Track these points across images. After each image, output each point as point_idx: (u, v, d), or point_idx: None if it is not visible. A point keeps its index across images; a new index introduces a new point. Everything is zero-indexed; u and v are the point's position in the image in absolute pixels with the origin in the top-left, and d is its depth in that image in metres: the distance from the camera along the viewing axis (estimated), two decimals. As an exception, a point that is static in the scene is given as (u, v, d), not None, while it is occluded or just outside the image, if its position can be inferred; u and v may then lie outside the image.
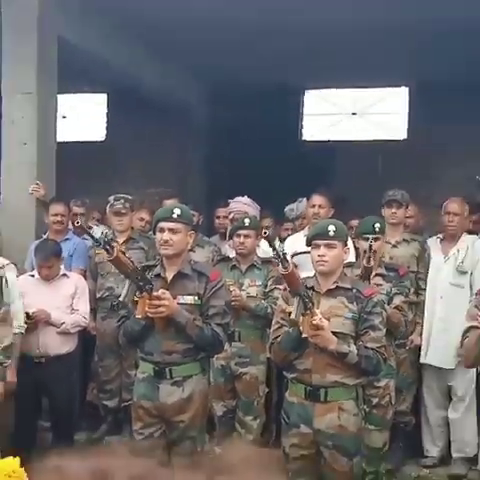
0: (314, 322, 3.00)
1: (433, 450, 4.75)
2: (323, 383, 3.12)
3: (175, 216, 3.31)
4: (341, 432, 3.13)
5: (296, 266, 4.65)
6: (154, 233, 3.44)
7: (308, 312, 3.01)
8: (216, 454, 3.15)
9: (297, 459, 3.22)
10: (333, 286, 3.21)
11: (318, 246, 3.19)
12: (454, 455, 4.64)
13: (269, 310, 4.09)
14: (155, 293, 3.20)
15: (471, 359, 3.18)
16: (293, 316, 3.01)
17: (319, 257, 3.18)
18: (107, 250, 3.16)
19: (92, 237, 3.29)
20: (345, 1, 5.43)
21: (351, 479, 3.22)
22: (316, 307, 3.16)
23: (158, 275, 3.40)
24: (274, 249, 2.97)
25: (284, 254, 2.96)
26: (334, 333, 3.11)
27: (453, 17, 5.58)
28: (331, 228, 3.19)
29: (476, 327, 3.06)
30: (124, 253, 3.27)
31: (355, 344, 3.14)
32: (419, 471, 4.65)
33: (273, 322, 3.36)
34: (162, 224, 3.33)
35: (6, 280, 3.96)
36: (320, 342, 3.05)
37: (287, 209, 5.61)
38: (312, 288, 3.24)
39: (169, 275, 3.38)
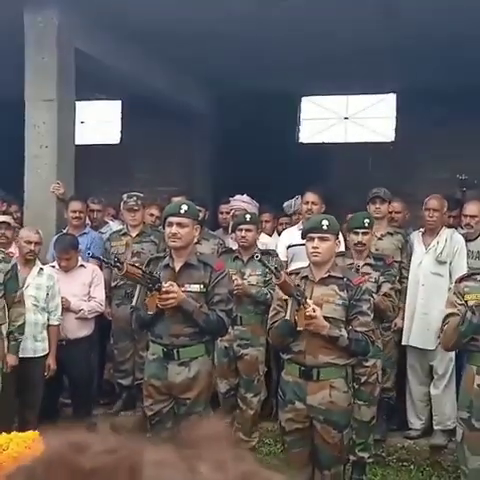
0: (307, 314, 3.02)
1: (417, 423, 4.79)
2: (316, 363, 3.15)
3: (182, 211, 3.34)
4: (332, 407, 3.16)
5: (289, 264, 4.75)
6: (164, 227, 3.46)
7: (301, 307, 3.03)
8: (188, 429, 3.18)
9: (292, 432, 3.26)
10: (325, 275, 3.24)
11: (312, 239, 3.21)
12: (435, 427, 4.67)
13: (268, 296, 4.11)
14: (164, 288, 3.22)
15: (450, 343, 3.19)
16: (288, 316, 3.02)
17: (313, 249, 3.21)
18: (118, 267, 3.22)
19: (104, 261, 3.61)
20: (339, 16, 5.42)
21: (341, 449, 3.26)
22: (309, 295, 3.19)
23: (167, 265, 3.43)
24: (266, 266, 3.15)
25: (275, 268, 3.04)
26: (326, 318, 3.13)
27: (436, 31, 5.59)
28: (325, 222, 3.22)
29: (455, 314, 3.07)
30: (133, 265, 3.33)
31: (346, 329, 3.16)
32: (404, 442, 4.69)
33: (271, 308, 3.39)
34: (171, 219, 3.36)
35: (18, 268, 4.05)
36: (314, 329, 3.08)
37: (285, 205, 5.64)
38: (306, 277, 3.26)
39: (177, 265, 3.40)
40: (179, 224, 3.32)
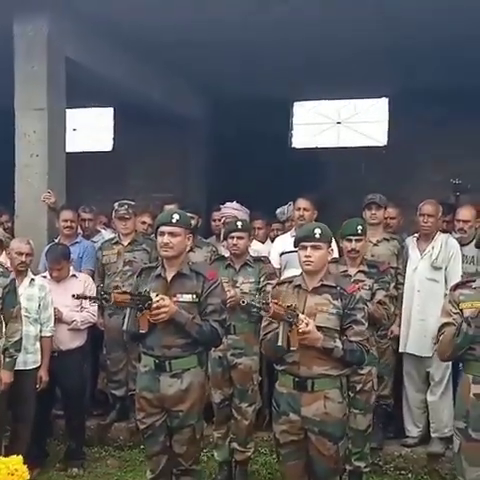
0: (300, 330, 2.96)
1: (414, 431, 4.73)
2: (310, 374, 3.09)
3: (174, 221, 3.29)
4: (327, 419, 3.10)
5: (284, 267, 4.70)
6: (156, 236, 3.41)
7: (293, 327, 2.96)
8: None
9: (287, 444, 3.19)
10: (318, 284, 3.18)
11: (305, 247, 3.16)
12: (433, 435, 4.61)
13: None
14: (154, 303, 3.15)
15: (446, 354, 3.13)
16: (280, 342, 2.95)
17: (306, 258, 3.15)
18: (106, 299, 3.19)
19: (91, 298, 3.67)
20: (330, 22, 5.39)
21: (337, 461, 3.19)
22: (303, 304, 3.14)
23: (159, 275, 3.37)
24: (254, 306, 3.12)
25: (263, 303, 2.98)
26: (320, 328, 3.08)
27: (427, 36, 5.55)
28: (317, 231, 3.17)
29: (451, 323, 3.01)
30: (120, 292, 3.31)
31: (340, 338, 3.11)
32: (401, 450, 4.63)
33: (263, 319, 3.32)
34: (162, 228, 3.31)
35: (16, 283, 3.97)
36: (308, 343, 3.01)
37: (278, 212, 5.59)
38: (299, 286, 3.21)
39: (169, 275, 3.35)
40: (171, 233, 3.28)
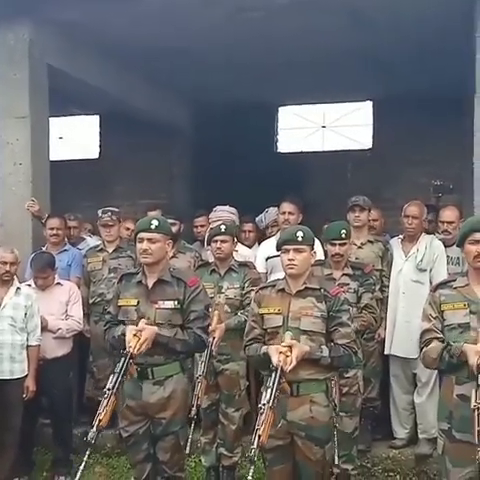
0: (290, 368, 2.88)
1: (401, 432, 4.70)
2: (295, 379, 3.04)
3: (153, 227, 3.26)
4: (312, 423, 3.06)
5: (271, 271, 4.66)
6: (135, 243, 3.36)
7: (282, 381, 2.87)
8: None
9: (273, 449, 3.14)
10: (302, 287, 3.15)
11: (288, 251, 3.13)
12: (420, 436, 4.58)
13: (243, 320, 3.92)
14: (133, 348, 3.06)
15: (431, 367, 3.09)
16: (268, 403, 2.80)
17: (289, 261, 3.12)
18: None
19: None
20: (314, 27, 5.38)
21: (323, 465, 3.16)
22: (287, 308, 3.10)
23: (140, 282, 3.33)
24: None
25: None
26: (305, 331, 3.05)
27: (410, 39, 5.56)
28: (299, 234, 3.14)
29: (431, 331, 2.96)
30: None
31: (326, 342, 3.08)
32: (389, 452, 4.60)
33: (247, 324, 3.29)
34: (141, 235, 3.28)
35: None
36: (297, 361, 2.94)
37: (257, 220, 5.53)
38: (282, 290, 3.17)
39: (150, 282, 3.31)
40: (150, 240, 3.25)
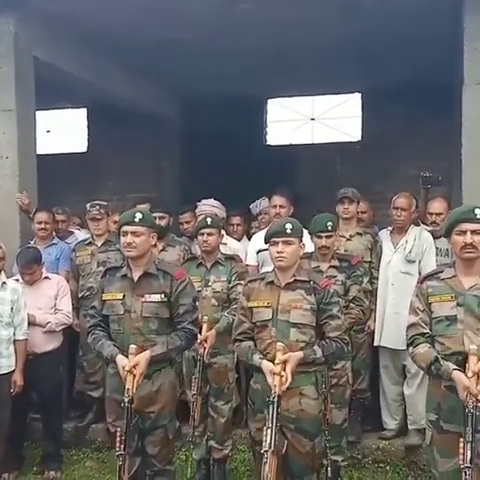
0: (286, 386, 2.90)
1: (391, 423, 4.71)
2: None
3: (137, 220, 3.23)
4: (302, 416, 3.06)
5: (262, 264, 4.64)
6: (119, 237, 3.33)
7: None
8: None
9: (262, 441, 3.14)
10: (291, 280, 3.13)
11: (276, 243, 3.12)
12: (410, 427, 4.60)
13: (231, 320, 3.88)
14: (129, 382, 3.04)
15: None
16: (270, 448, 2.79)
17: (278, 253, 3.10)
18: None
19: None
20: (302, 19, 5.34)
21: (313, 458, 3.15)
22: (276, 301, 3.09)
23: (125, 276, 3.30)
24: None
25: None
26: (295, 324, 3.05)
27: (399, 30, 5.54)
28: (288, 226, 3.12)
29: (418, 326, 2.94)
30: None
31: (316, 334, 3.08)
32: (379, 443, 4.61)
33: (236, 318, 3.28)
34: (125, 228, 3.25)
35: None
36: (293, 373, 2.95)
37: (252, 206, 5.53)
38: (272, 282, 3.15)
39: (135, 275, 3.29)
40: (134, 233, 3.22)
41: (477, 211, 2.86)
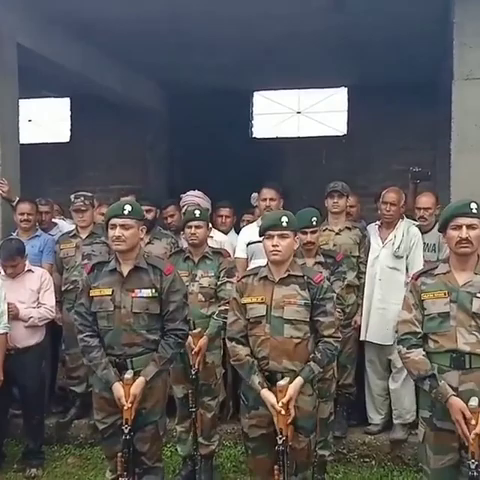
0: (291, 420, 2.90)
1: (376, 418, 4.69)
2: (279, 369, 3.00)
3: (126, 212, 3.13)
4: (298, 413, 2.99)
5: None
6: (107, 230, 3.22)
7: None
8: None
9: (256, 438, 3.10)
10: (285, 275, 3.06)
11: (272, 236, 3.03)
12: (395, 422, 4.58)
13: (221, 323, 3.86)
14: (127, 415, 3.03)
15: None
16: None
17: (273, 247, 3.02)
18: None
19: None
20: (288, 12, 5.27)
21: (309, 454, 3.12)
22: (270, 296, 3.03)
23: (114, 270, 3.19)
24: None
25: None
26: (288, 320, 2.99)
27: (385, 25, 5.49)
28: (284, 219, 3.04)
29: (409, 323, 2.89)
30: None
31: (310, 329, 3.02)
32: (364, 438, 4.58)
33: (229, 314, 3.18)
34: (114, 220, 3.14)
35: None
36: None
37: (253, 196, 5.38)
38: (265, 277, 3.08)
39: (125, 270, 3.18)
40: (123, 226, 3.11)
41: (473, 205, 2.81)
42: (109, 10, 5.20)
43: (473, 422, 2.67)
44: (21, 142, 5.39)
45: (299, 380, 2.95)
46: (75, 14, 5.23)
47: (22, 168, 5.27)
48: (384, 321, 4.46)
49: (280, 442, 2.87)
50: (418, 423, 3.03)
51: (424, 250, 4.54)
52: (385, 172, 7.16)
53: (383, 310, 4.48)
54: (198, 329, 3.86)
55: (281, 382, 2.93)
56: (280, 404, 2.89)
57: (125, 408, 3.03)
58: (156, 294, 3.15)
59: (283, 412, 2.88)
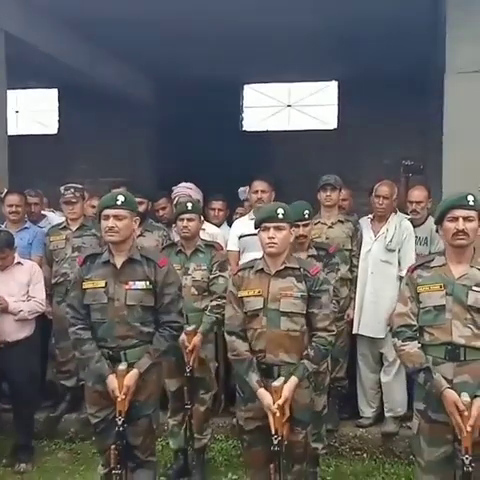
0: (285, 419, 2.90)
1: (368, 411, 4.69)
2: (276, 361, 2.99)
3: (119, 203, 3.08)
4: (294, 405, 2.99)
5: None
6: (99, 221, 3.17)
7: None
8: None
9: (252, 431, 3.09)
10: (282, 267, 3.04)
11: (268, 229, 3.01)
12: (386, 415, 4.59)
13: (214, 319, 3.87)
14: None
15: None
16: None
17: (269, 239, 3.00)
18: None
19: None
20: (280, 5, 5.24)
21: (306, 446, 3.12)
22: (266, 289, 3.01)
23: (107, 262, 3.15)
24: None
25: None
26: (285, 313, 2.98)
27: (376, 19, 5.49)
28: (280, 211, 3.02)
29: (404, 316, 2.89)
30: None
31: (307, 323, 3.01)
32: (356, 431, 4.59)
33: (227, 308, 3.15)
34: (107, 211, 3.09)
35: None
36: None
37: (240, 190, 5.39)
38: (261, 270, 3.06)
39: (118, 261, 3.14)
40: (116, 217, 3.07)
41: (470, 198, 2.82)
42: (98, 1, 5.14)
43: (466, 413, 2.68)
44: (8, 133, 5.33)
45: (293, 380, 2.95)
46: (63, 4, 5.17)
47: (9, 160, 5.20)
48: (376, 314, 4.47)
49: (276, 442, 2.87)
50: (410, 416, 3.04)
51: (416, 244, 4.54)
52: (375, 166, 7.17)
53: (375, 303, 4.48)
54: (192, 326, 3.83)
55: (276, 383, 2.91)
56: (276, 406, 2.89)
57: (119, 400, 3.01)
58: (150, 286, 3.12)
59: (278, 414, 2.89)
